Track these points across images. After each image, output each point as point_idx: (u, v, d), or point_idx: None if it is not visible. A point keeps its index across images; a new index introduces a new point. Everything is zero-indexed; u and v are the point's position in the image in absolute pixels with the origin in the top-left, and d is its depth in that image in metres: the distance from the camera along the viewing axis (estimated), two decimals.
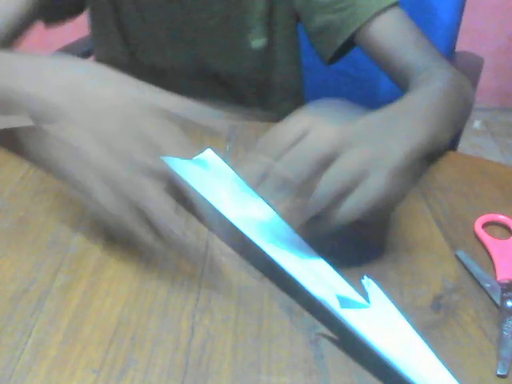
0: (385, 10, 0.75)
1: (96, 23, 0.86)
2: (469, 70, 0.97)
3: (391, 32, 0.75)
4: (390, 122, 0.53)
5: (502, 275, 0.51)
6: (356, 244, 0.55)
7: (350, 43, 0.78)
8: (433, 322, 0.47)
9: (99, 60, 0.91)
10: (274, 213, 0.52)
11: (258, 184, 0.47)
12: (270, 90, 0.90)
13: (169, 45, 0.84)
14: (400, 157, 0.49)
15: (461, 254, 0.54)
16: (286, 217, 0.52)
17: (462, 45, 1.06)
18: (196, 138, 0.56)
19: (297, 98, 0.94)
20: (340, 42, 0.78)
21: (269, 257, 0.48)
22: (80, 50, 1.08)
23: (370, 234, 0.56)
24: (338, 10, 0.76)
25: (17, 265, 0.51)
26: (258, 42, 0.84)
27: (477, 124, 2.39)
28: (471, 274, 0.52)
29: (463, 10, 1.00)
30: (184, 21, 0.81)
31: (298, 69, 0.92)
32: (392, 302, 0.46)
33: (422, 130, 0.54)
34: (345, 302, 0.44)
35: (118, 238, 0.51)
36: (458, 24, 1.00)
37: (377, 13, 0.74)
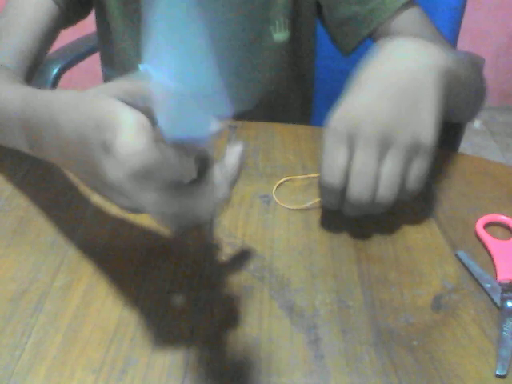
0: (407, 4, 0.75)
1: (103, 20, 0.84)
2: None
3: (411, 27, 0.76)
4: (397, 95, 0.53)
5: (503, 276, 0.51)
6: (356, 243, 0.55)
7: (368, 36, 0.78)
8: (433, 322, 0.47)
9: (105, 60, 0.90)
10: None
11: None
12: (286, 85, 0.89)
13: None
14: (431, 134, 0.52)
15: (461, 254, 0.54)
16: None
17: (463, 45, 1.06)
18: None
19: (307, 94, 0.93)
20: (366, 32, 0.77)
21: None
22: (80, 50, 1.08)
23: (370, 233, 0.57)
24: (364, 1, 0.76)
25: (17, 265, 0.51)
26: (281, 36, 0.82)
27: (477, 124, 2.40)
28: (471, 274, 0.52)
29: (464, 9, 1.00)
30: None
31: (314, 63, 0.92)
32: None
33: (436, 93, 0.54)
34: None
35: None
36: (458, 24, 1.00)
37: (400, 7, 0.74)
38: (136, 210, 0.41)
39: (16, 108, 0.53)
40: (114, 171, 0.37)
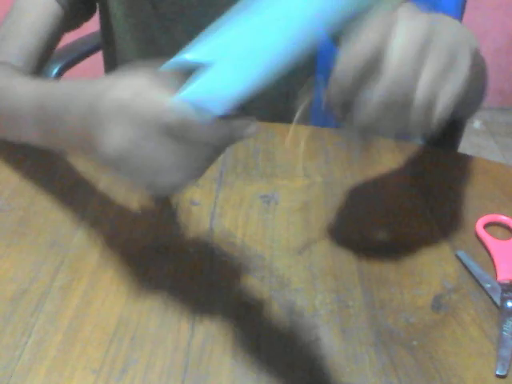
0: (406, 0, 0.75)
1: (106, 21, 0.85)
2: None
3: None
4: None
5: (503, 276, 0.51)
6: (356, 243, 0.55)
7: None
8: (433, 322, 0.47)
9: (108, 60, 0.90)
10: None
11: None
12: (286, 86, 0.89)
13: (185, 38, 0.82)
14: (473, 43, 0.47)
15: (461, 254, 0.54)
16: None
17: None
18: None
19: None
20: None
21: None
22: (80, 50, 1.08)
23: (369, 232, 0.57)
24: None
25: (17, 265, 0.51)
26: None
27: (477, 124, 2.40)
28: (471, 274, 0.52)
29: (464, 10, 1.00)
30: (202, 11, 0.78)
31: (314, 63, 0.92)
32: None
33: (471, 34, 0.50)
34: None
35: None
36: None
37: (399, 2, 0.74)
38: (137, 181, 0.41)
39: (31, 97, 0.54)
40: (131, 130, 0.39)
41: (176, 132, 0.38)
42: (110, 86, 0.41)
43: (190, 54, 0.39)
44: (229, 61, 0.38)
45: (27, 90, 0.56)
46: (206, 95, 0.38)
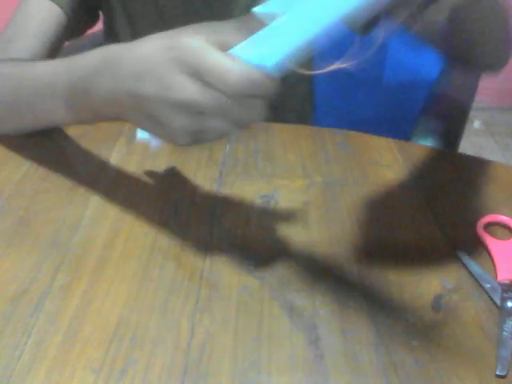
0: None
1: (110, 23, 0.85)
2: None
3: None
4: None
5: (503, 275, 0.51)
6: (356, 243, 0.55)
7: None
8: (433, 321, 0.47)
9: None
10: None
11: None
12: (285, 85, 0.89)
13: None
14: None
15: (461, 254, 0.54)
16: None
17: None
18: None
19: (307, 93, 0.93)
20: None
21: None
22: (82, 49, 1.08)
23: (370, 232, 0.57)
24: None
25: (17, 265, 0.51)
26: None
27: (477, 124, 2.40)
28: (471, 274, 0.52)
29: None
30: (206, 16, 0.79)
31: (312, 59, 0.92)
32: None
33: None
34: None
35: None
36: None
37: None
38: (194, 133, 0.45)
39: (59, 70, 0.56)
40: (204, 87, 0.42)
41: (240, 90, 0.42)
42: (170, 41, 0.44)
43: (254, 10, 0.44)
44: (287, 21, 0.42)
45: (54, 65, 0.58)
46: (262, 52, 0.42)
